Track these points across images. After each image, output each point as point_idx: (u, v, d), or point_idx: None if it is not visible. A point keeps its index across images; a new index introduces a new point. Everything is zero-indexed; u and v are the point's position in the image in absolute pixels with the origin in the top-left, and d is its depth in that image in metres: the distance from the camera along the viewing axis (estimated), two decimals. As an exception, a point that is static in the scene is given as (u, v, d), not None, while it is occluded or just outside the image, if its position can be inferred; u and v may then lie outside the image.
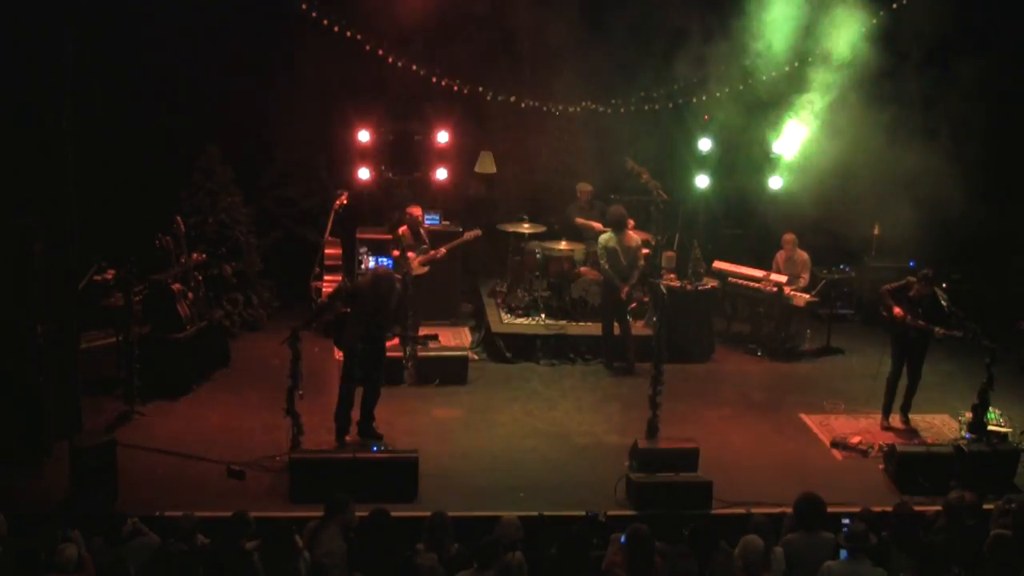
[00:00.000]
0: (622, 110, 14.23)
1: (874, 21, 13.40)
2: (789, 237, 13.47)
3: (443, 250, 12.97)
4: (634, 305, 12.99)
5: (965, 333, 10.62)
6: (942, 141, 13.20)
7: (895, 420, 11.26)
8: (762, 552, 7.41)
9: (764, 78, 13.69)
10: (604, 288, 12.78)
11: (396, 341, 11.14)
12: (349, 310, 10.12)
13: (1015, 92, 14.40)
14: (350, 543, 7.67)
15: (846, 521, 8.16)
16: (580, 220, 14.03)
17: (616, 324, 12.64)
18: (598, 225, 13.76)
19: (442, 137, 14.31)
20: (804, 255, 13.45)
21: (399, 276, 10.76)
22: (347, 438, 10.29)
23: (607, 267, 12.52)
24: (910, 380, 11.15)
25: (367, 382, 10.40)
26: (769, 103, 13.84)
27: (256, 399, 11.27)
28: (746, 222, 14.86)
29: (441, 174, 14.32)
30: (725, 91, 13.84)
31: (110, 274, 11.82)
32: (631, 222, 13.03)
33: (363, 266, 13.89)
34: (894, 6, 13.51)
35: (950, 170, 13.10)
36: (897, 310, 10.86)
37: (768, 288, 13.29)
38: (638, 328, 13.02)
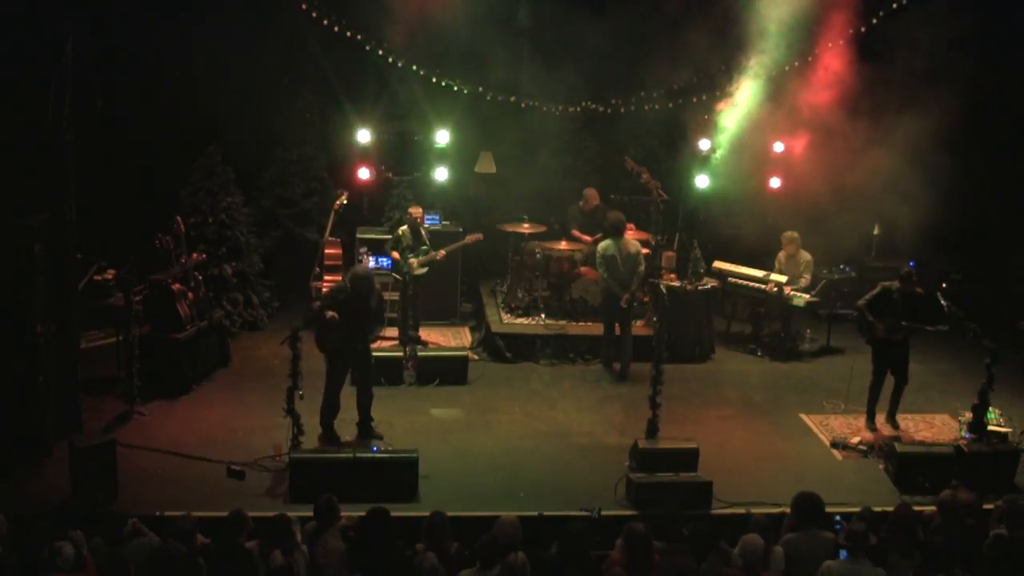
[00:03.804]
0: (622, 110, 14.24)
1: (863, 29, 13.47)
2: (791, 235, 13.40)
3: (442, 252, 12.95)
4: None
5: (952, 324, 10.52)
6: (941, 141, 13.21)
7: (881, 426, 11.14)
8: (762, 551, 7.42)
9: (764, 78, 13.69)
10: (605, 293, 12.70)
11: (388, 343, 11.12)
12: (333, 314, 10.08)
13: (1012, 92, 14.42)
14: (349, 543, 7.68)
15: (838, 518, 8.19)
16: (576, 232, 14.07)
17: (617, 326, 12.60)
18: (588, 239, 13.75)
19: (442, 137, 14.31)
20: (807, 255, 13.39)
21: (373, 274, 10.71)
22: (348, 438, 10.32)
23: (604, 275, 12.41)
24: (896, 385, 11.03)
25: (357, 383, 10.42)
26: (769, 102, 13.83)
27: (256, 399, 11.27)
28: (746, 222, 14.85)
29: (441, 174, 14.32)
30: (725, 91, 13.85)
31: (110, 274, 11.84)
32: (630, 226, 13.01)
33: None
34: (894, 5, 13.55)
35: (949, 170, 13.12)
36: (878, 330, 10.75)
37: (769, 288, 13.29)
38: (637, 328, 12.99)
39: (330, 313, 10.01)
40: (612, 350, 12.69)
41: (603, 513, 8.94)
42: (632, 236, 12.89)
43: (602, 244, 12.59)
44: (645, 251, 12.98)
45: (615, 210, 13.12)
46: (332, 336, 10.12)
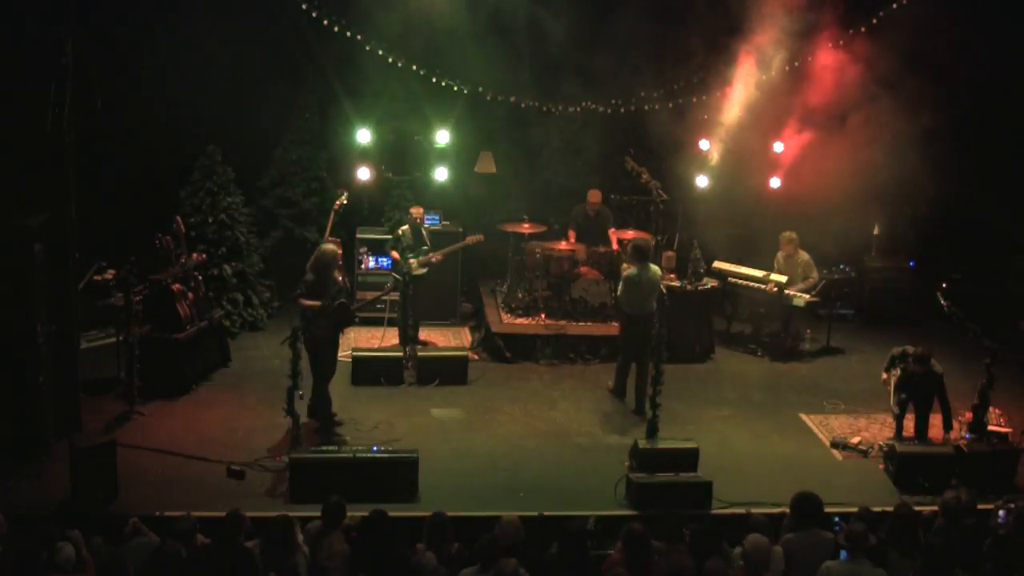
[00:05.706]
0: (622, 110, 14.24)
1: (862, 28, 13.47)
2: (789, 236, 13.39)
3: (439, 255, 12.87)
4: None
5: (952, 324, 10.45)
6: (941, 140, 13.21)
7: (883, 425, 11.09)
8: (767, 551, 7.41)
9: (764, 77, 13.70)
10: (626, 323, 11.79)
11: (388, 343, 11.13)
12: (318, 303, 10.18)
13: (1008, 94, 14.43)
14: (351, 544, 7.68)
15: (837, 519, 8.19)
16: (570, 232, 14.07)
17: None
18: (573, 240, 13.81)
19: (442, 137, 14.30)
20: (805, 255, 13.37)
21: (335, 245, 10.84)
22: (348, 437, 10.36)
23: (622, 298, 11.73)
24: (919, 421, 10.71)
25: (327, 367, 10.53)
26: (769, 102, 13.83)
27: (256, 399, 11.28)
28: (746, 222, 14.84)
29: (441, 174, 14.32)
30: (725, 91, 13.85)
31: (110, 274, 11.84)
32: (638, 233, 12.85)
33: (363, 266, 13.92)
34: (894, 5, 13.54)
35: (949, 169, 13.12)
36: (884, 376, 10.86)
37: (768, 288, 13.28)
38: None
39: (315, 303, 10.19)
40: (623, 383, 11.86)
41: (603, 513, 8.95)
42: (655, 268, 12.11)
43: (627, 271, 11.72)
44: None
45: (640, 238, 12.50)
46: (318, 324, 10.19)
